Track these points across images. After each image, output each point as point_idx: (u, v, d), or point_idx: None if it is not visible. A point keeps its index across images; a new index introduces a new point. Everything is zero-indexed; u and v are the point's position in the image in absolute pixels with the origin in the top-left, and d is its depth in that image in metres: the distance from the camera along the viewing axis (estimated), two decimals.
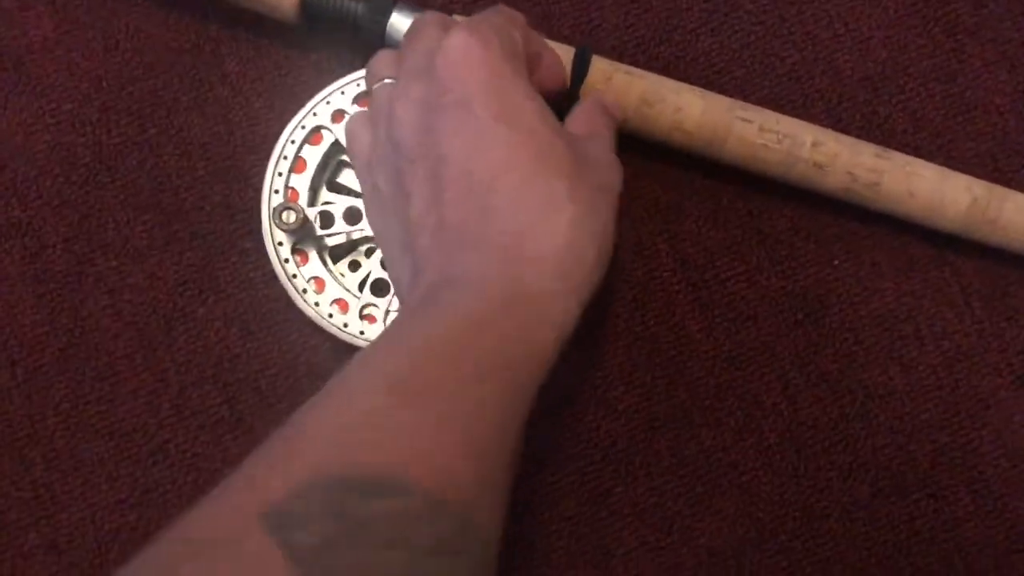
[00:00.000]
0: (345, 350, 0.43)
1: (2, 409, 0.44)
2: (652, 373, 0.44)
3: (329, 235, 0.42)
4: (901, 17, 0.47)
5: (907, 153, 0.45)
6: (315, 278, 0.42)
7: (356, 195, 0.43)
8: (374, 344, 0.33)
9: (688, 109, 0.42)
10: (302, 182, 0.43)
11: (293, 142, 0.43)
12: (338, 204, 0.43)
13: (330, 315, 0.42)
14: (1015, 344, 0.44)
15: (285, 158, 0.43)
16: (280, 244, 0.42)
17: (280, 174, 0.43)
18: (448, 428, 0.29)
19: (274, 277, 0.43)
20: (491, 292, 0.32)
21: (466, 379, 0.30)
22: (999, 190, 0.42)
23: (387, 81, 0.38)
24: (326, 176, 0.44)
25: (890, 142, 0.46)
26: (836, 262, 0.45)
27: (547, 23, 0.46)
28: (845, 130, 0.46)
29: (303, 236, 0.42)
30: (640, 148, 0.44)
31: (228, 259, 0.45)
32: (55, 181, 0.46)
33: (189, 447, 0.44)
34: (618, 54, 0.46)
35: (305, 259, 0.42)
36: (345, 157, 0.44)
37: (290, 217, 0.40)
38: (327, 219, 0.43)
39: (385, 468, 0.27)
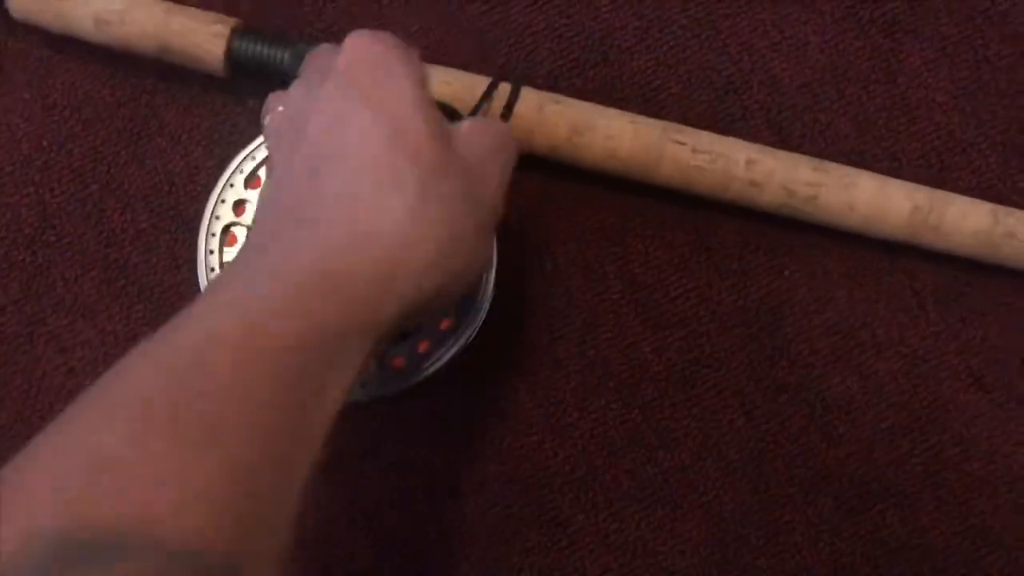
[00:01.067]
0: None
1: None
2: (606, 397, 0.44)
3: None
4: (837, 20, 0.46)
5: (852, 157, 0.45)
6: None
7: None
8: (138, 348, 0.27)
9: (620, 136, 0.42)
10: (242, 227, 0.43)
11: (232, 185, 0.43)
12: None
13: None
14: (972, 346, 0.44)
15: (223, 202, 0.43)
16: None
17: (218, 217, 0.43)
18: (209, 460, 0.24)
19: None
20: (293, 275, 0.28)
21: (237, 392, 0.26)
22: (940, 195, 0.42)
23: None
24: None
25: (834, 147, 0.45)
26: (787, 272, 0.45)
27: (482, 49, 0.46)
28: (787, 139, 0.46)
29: None
30: (580, 172, 0.43)
31: (176, 309, 0.45)
32: (1, 243, 0.46)
33: None
34: (554, 78, 0.46)
35: None
36: None
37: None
38: None
39: (121, 520, 0.23)
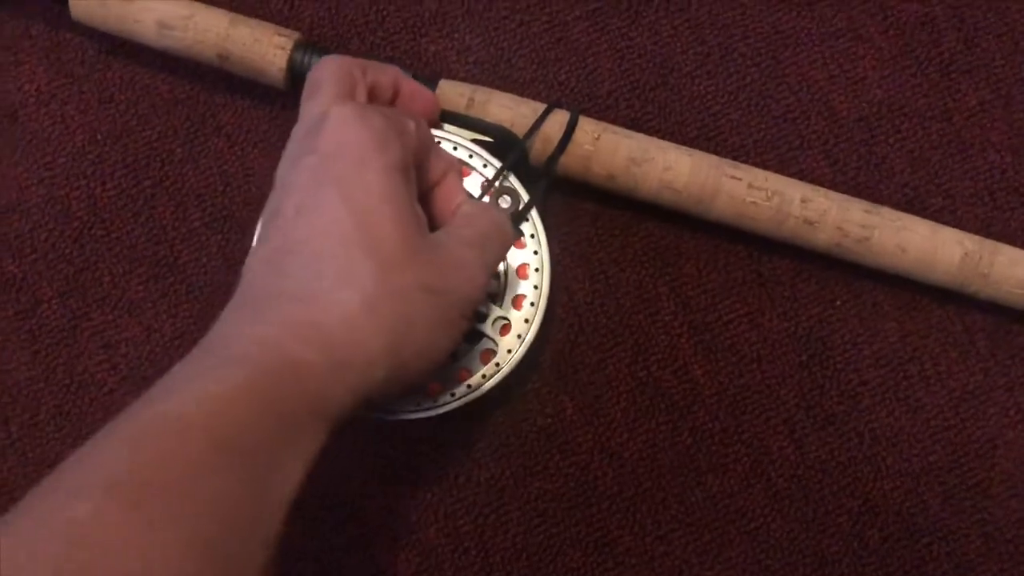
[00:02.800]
0: None
1: None
2: (656, 419, 0.44)
3: None
4: (895, 58, 0.47)
5: (906, 192, 0.46)
6: None
7: None
8: (108, 425, 0.28)
9: (677, 167, 0.42)
10: None
11: None
12: None
13: None
14: (1021, 382, 0.44)
15: None
16: None
17: None
18: (172, 534, 0.25)
19: None
20: (250, 359, 0.29)
21: (198, 470, 0.27)
22: (990, 244, 0.42)
23: None
24: None
25: (888, 181, 0.46)
26: (838, 303, 0.45)
27: (544, 70, 0.47)
28: (842, 171, 0.46)
29: None
30: (635, 201, 0.44)
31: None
32: (50, 235, 0.45)
33: None
34: (614, 99, 0.46)
35: None
36: None
37: None
38: None
39: None
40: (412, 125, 0.35)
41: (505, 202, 0.40)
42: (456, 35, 0.47)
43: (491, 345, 0.40)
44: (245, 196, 0.46)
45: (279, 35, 0.43)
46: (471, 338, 0.40)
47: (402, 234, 0.32)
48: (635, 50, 0.47)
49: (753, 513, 0.43)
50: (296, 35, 0.43)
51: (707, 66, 0.47)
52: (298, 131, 0.35)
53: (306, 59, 0.43)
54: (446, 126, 0.42)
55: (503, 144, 0.42)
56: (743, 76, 0.47)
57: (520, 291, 0.41)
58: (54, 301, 0.45)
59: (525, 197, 0.41)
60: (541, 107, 0.43)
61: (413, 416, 0.39)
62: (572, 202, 0.45)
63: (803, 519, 0.43)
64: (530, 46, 0.47)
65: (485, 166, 0.41)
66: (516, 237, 0.41)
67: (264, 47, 0.42)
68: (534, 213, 0.41)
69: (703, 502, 0.43)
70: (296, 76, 0.43)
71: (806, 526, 0.43)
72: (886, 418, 0.44)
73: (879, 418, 0.44)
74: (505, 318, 0.40)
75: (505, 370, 0.40)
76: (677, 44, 0.47)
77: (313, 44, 0.44)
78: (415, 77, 0.42)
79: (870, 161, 0.46)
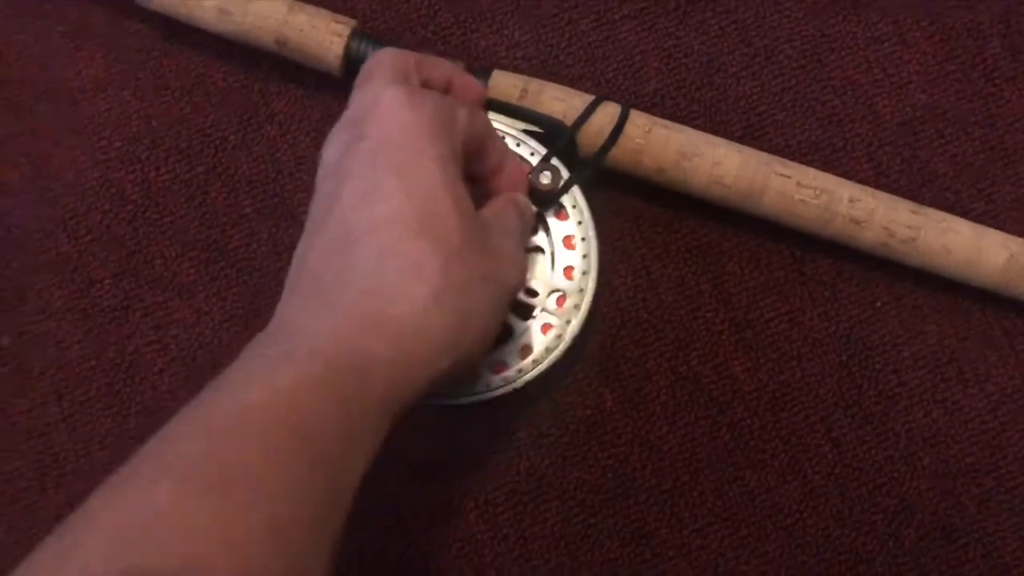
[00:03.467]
0: None
1: (48, 442, 0.44)
2: (696, 413, 0.44)
3: None
4: (939, 63, 0.47)
5: (947, 196, 0.46)
6: None
7: None
8: (181, 413, 0.29)
9: (726, 162, 0.43)
10: None
11: None
12: None
13: None
14: None
15: None
16: None
17: None
18: (251, 517, 0.26)
19: None
20: (321, 352, 0.30)
21: (275, 457, 0.28)
22: None
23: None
24: None
25: (931, 186, 0.46)
26: (878, 304, 0.45)
27: (592, 67, 0.47)
28: (885, 174, 0.46)
29: None
30: (681, 196, 0.44)
31: (274, 295, 0.45)
32: (104, 217, 0.46)
33: None
34: (660, 97, 0.47)
35: None
36: None
37: None
38: None
39: (166, 571, 0.24)
40: (464, 112, 0.35)
41: (546, 178, 0.41)
42: (506, 31, 0.48)
43: (549, 319, 0.41)
44: (296, 184, 0.46)
45: (336, 23, 0.44)
46: (525, 314, 0.41)
47: (463, 225, 0.33)
48: (682, 49, 0.48)
49: (789, 509, 0.44)
50: (353, 23, 0.44)
51: (753, 67, 0.47)
52: (349, 115, 0.35)
53: (362, 48, 0.43)
54: (496, 115, 0.43)
55: (553, 135, 0.43)
56: (788, 78, 0.47)
57: (568, 262, 0.42)
58: (107, 281, 0.46)
59: (566, 175, 0.42)
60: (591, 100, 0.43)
61: (489, 395, 0.40)
62: (616, 198, 0.46)
63: (839, 516, 0.44)
64: (578, 43, 0.48)
65: (532, 154, 0.42)
66: (555, 210, 0.42)
67: (321, 34, 0.43)
68: (576, 189, 0.42)
69: (740, 497, 0.44)
70: (352, 64, 0.44)
71: (842, 523, 0.44)
72: (924, 419, 0.44)
73: (917, 419, 0.44)
74: (560, 290, 0.41)
75: (566, 342, 0.41)
76: (724, 45, 0.48)
77: (369, 33, 0.45)
78: (468, 70, 0.43)
79: (913, 165, 0.46)
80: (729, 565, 0.43)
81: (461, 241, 0.32)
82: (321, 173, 0.35)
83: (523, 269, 0.37)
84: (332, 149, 0.35)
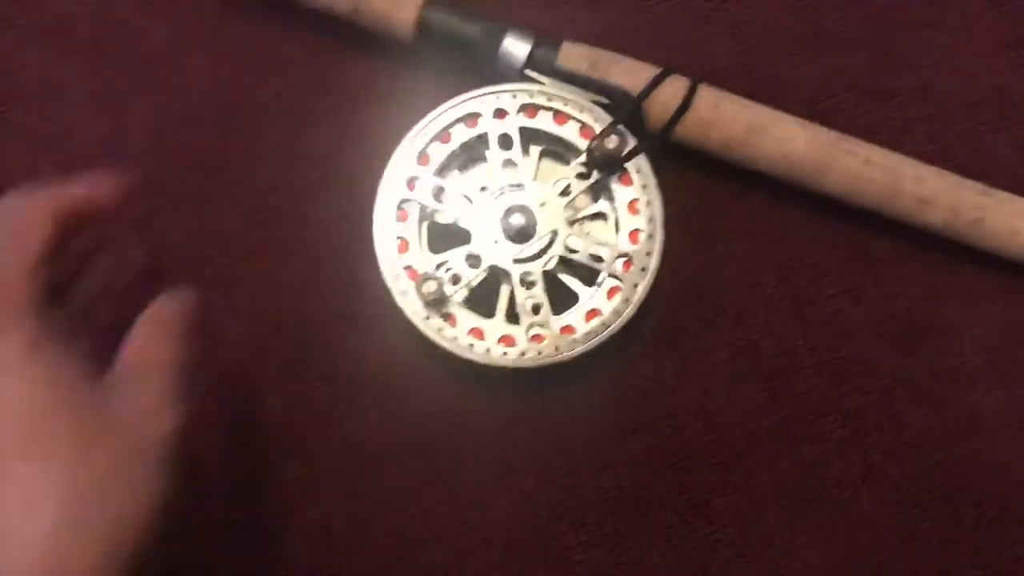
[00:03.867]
0: (445, 358, 0.43)
1: None
2: (755, 386, 0.45)
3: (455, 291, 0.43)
4: (1000, 50, 0.48)
5: (1008, 179, 0.46)
6: (448, 315, 0.42)
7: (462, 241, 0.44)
8: None
9: (794, 138, 0.43)
10: (413, 203, 0.43)
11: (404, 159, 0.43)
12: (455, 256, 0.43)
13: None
14: None
15: (395, 176, 0.43)
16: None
17: (391, 191, 0.43)
18: None
19: (380, 279, 0.43)
20: None
21: None
22: None
23: None
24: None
25: (991, 167, 0.46)
26: (940, 285, 0.46)
27: (663, 42, 0.47)
28: (948, 155, 0.47)
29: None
30: (745, 172, 0.44)
31: (340, 261, 0.46)
32: (177, 180, 0.47)
33: (296, 433, 0.45)
34: (728, 75, 0.47)
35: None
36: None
37: (431, 287, 0.41)
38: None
39: None
40: (38, 223, 0.32)
41: (612, 142, 0.41)
42: (570, 8, 0.48)
43: (615, 283, 0.42)
44: (363, 152, 0.47)
45: None
46: (590, 280, 0.42)
47: (67, 414, 0.29)
48: (750, 28, 0.48)
49: (845, 484, 0.44)
50: None
51: (815, 48, 0.48)
52: None
53: (436, 16, 0.44)
54: (563, 85, 0.43)
55: (621, 106, 0.43)
56: (851, 59, 0.48)
57: (634, 226, 0.42)
58: (179, 243, 0.47)
59: (632, 142, 0.42)
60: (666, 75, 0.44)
61: (558, 359, 0.41)
62: (679, 173, 0.46)
63: (896, 492, 0.44)
64: (644, 21, 0.48)
65: (596, 120, 0.43)
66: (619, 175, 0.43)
67: (396, 2, 0.44)
68: (641, 156, 0.42)
69: (797, 470, 0.44)
70: (424, 32, 0.44)
71: (898, 499, 0.44)
72: (983, 399, 0.45)
73: (977, 399, 0.45)
74: (626, 254, 0.42)
75: (635, 304, 0.41)
76: (790, 25, 0.48)
77: (442, 3, 0.45)
78: (537, 42, 0.44)
79: (975, 146, 0.47)
80: (783, 536, 0.44)
81: (79, 437, 0.29)
82: None
83: (174, 413, 0.32)
84: None
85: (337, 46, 0.48)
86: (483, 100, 0.43)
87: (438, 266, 0.43)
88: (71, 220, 0.33)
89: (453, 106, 0.43)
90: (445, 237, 0.44)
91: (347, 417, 0.45)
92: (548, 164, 0.45)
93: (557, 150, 0.45)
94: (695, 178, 0.46)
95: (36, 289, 0.31)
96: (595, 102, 0.43)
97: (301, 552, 0.44)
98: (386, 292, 0.43)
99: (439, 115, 0.43)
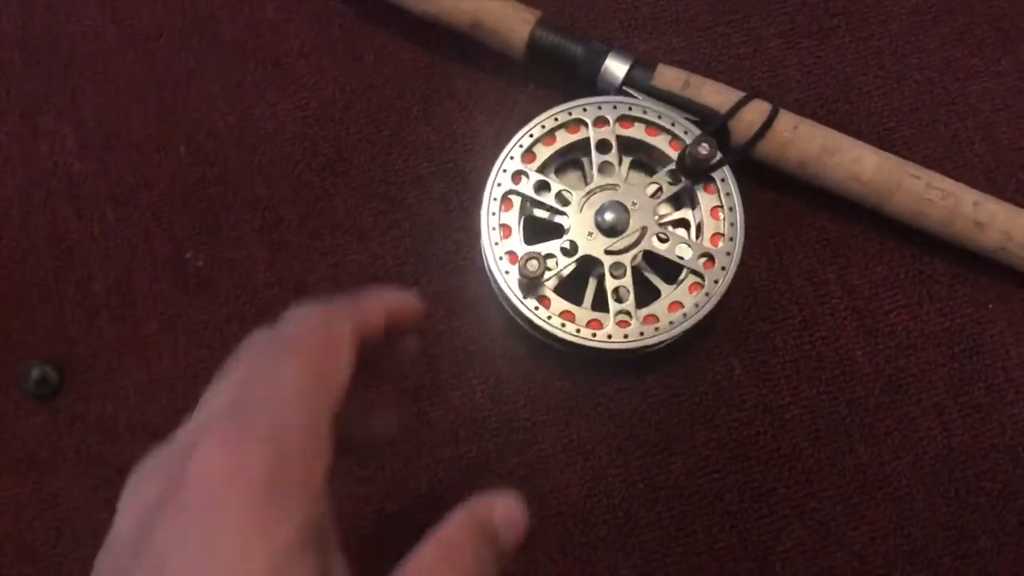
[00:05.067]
0: (532, 341, 0.47)
1: (227, 355, 0.49)
2: (817, 388, 0.48)
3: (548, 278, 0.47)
4: None
5: None
6: (542, 297, 0.46)
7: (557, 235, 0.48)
8: None
9: (865, 161, 0.48)
10: (517, 195, 0.48)
11: (512, 158, 0.48)
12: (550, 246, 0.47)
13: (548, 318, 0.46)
14: None
15: (504, 171, 0.48)
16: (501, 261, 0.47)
17: (499, 184, 0.47)
18: None
19: (479, 264, 0.47)
20: None
21: None
22: None
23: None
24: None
25: None
26: (991, 306, 0.49)
27: (739, 76, 0.53)
28: (1001, 191, 0.51)
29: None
30: (812, 190, 0.49)
31: (442, 246, 0.51)
32: (296, 166, 0.52)
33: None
34: (800, 106, 0.52)
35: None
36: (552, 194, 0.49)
37: (533, 265, 0.45)
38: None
39: None
40: (343, 358, 0.26)
41: (704, 149, 0.46)
42: (664, 37, 0.54)
43: (696, 279, 0.46)
44: (468, 152, 0.52)
45: (525, 11, 0.50)
46: (672, 279, 0.46)
47: None
48: (821, 67, 0.53)
49: (899, 482, 0.47)
50: (539, 13, 0.50)
51: (884, 88, 0.53)
52: (182, 435, 0.26)
53: (546, 35, 0.49)
54: (655, 102, 0.48)
55: (709, 123, 0.48)
56: (916, 100, 0.52)
57: (715, 230, 0.47)
58: (294, 222, 0.51)
59: (719, 155, 0.47)
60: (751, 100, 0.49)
61: (641, 343, 0.45)
62: (754, 190, 0.51)
63: (945, 493, 0.47)
64: (729, 54, 0.53)
65: (686, 133, 0.48)
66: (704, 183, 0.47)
67: (512, 20, 0.49)
68: (725, 167, 0.47)
69: (853, 467, 0.47)
70: (534, 48, 0.49)
71: (947, 500, 0.47)
72: None
73: (1022, 413, 0.48)
74: (708, 253, 0.46)
75: (715, 298, 0.45)
76: (859, 66, 0.53)
77: (553, 23, 0.50)
78: (635, 63, 0.49)
79: None
80: (839, 527, 0.47)
81: None
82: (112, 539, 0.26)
83: None
84: (136, 502, 0.26)
85: (454, 55, 0.53)
86: (586, 109, 0.48)
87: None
88: (370, 344, 0.28)
89: (559, 112, 0.48)
90: (540, 232, 0.48)
91: (433, 391, 0.49)
92: (635, 175, 0.50)
93: (645, 161, 0.50)
94: (768, 194, 0.51)
95: (327, 454, 0.25)
96: (685, 118, 0.48)
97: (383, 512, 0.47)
98: (486, 275, 0.47)
99: (546, 119, 0.48)
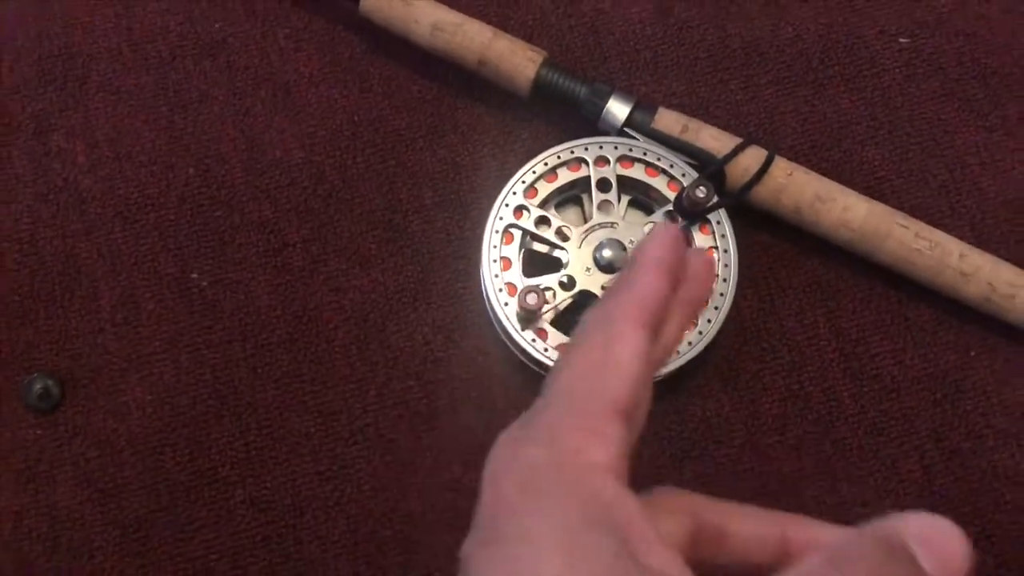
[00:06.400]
0: (541, 373, 0.48)
1: (229, 375, 0.50)
2: (804, 427, 0.50)
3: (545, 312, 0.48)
4: None
5: None
6: (539, 330, 0.48)
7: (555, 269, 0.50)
8: None
9: (855, 209, 0.49)
10: (518, 229, 0.49)
11: (514, 193, 0.49)
12: (549, 279, 0.48)
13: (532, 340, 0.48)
14: None
15: (506, 205, 0.49)
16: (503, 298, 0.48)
17: (500, 218, 0.49)
18: None
19: (478, 293, 0.49)
20: None
21: None
22: None
23: None
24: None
25: None
26: (972, 353, 0.51)
27: (735, 121, 0.54)
28: (986, 242, 0.53)
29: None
30: (805, 235, 0.50)
31: (442, 275, 0.52)
32: (303, 191, 0.53)
33: (387, 432, 0.49)
34: (794, 153, 0.54)
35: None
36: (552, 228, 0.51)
37: (532, 299, 0.46)
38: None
39: None
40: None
41: (702, 192, 0.47)
42: (665, 81, 0.55)
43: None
44: (471, 184, 0.53)
45: (531, 51, 0.51)
46: None
47: None
48: (816, 115, 0.55)
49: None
50: (544, 54, 0.51)
51: (876, 138, 0.54)
52: (534, 416, 0.26)
53: (550, 75, 0.51)
54: (654, 144, 0.50)
55: (707, 166, 0.49)
56: (906, 151, 0.54)
57: None
58: (298, 246, 0.52)
59: (715, 198, 0.48)
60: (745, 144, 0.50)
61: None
62: (748, 233, 0.52)
63: None
64: (727, 100, 0.55)
65: (684, 175, 0.49)
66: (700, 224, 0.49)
67: (518, 59, 0.51)
68: (721, 210, 0.49)
69: (836, 506, 0.49)
70: (538, 88, 0.51)
71: None
72: (1008, 460, 0.49)
73: (1002, 459, 0.49)
74: None
75: (708, 337, 0.47)
76: (853, 116, 0.55)
77: (557, 64, 0.52)
78: (636, 104, 0.50)
79: (1011, 237, 0.53)
80: None
81: None
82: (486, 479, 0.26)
83: None
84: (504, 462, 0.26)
85: (461, 90, 0.54)
86: (588, 149, 0.50)
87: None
88: None
89: (562, 150, 0.50)
90: (538, 265, 0.50)
91: (430, 417, 0.50)
92: (633, 213, 0.51)
93: (644, 201, 0.51)
94: (761, 237, 0.52)
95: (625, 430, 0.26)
96: (684, 161, 0.50)
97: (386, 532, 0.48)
98: (485, 304, 0.48)
99: (548, 156, 0.49)
